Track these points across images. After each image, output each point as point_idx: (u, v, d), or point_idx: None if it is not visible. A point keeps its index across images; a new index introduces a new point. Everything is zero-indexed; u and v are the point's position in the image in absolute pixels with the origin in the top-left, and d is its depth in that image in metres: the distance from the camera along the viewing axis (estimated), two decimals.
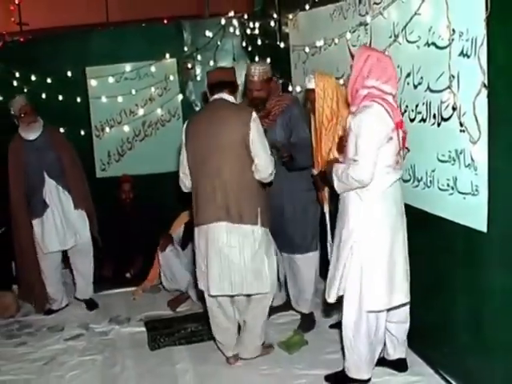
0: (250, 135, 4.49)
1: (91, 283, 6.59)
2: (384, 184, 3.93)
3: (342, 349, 4.43)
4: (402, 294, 4.05)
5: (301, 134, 5.06)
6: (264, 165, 4.55)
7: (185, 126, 4.82)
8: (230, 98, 4.73)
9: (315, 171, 4.91)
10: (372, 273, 3.95)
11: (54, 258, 6.33)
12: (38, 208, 6.16)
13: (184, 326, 5.58)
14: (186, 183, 4.82)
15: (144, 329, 5.72)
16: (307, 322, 5.43)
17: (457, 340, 4.10)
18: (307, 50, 5.96)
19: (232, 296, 4.78)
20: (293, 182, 5.14)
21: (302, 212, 5.22)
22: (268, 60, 6.58)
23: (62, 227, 6.24)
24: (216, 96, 4.72)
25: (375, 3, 4.62)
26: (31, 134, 6.08)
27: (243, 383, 4.63)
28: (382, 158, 3.85)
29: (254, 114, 4.57)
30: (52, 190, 6.19)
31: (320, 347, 5.03)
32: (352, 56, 5.08)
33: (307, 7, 5.95)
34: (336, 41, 5.30)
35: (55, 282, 6.39)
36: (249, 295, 4.79)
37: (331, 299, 4.23)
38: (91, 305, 6.48)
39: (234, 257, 4.55)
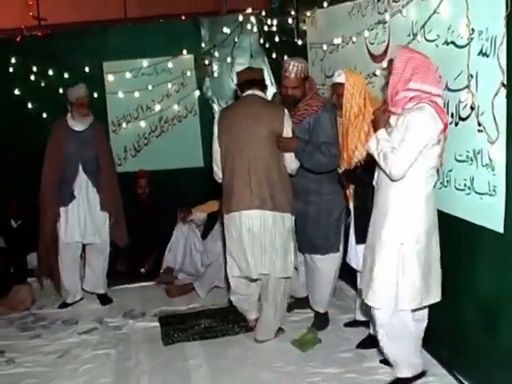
0: (284, 131, 4.81)
1: (102, 279, 6.57)
2: (429, 185, 3.86)
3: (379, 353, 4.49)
4: (436, 294, 4.01)
5: (320, 138, 4.91)
6: (289, 161, 4.89)
7: (217, 119, 5.05)
8: (262, 94, 4.98)
9: (340, 169, 4.86)
10: (412, 273, 3.88)
11: (74, 249, 6.32)
12: (65, 197, 6.15)
13: (198, 321, 5.60)
14: (219, 175, 5.07)
15: (158, 324, 5.73)
16: (321, 321, 5.40)
17: (472, 341, 4.07)
18: (325, 47, 5.93)
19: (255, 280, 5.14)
20: (320, 183, 5.06)
21: (327, 214, 5.12)
22: (285, 57, 6.56)
23: (85, 221, 6.24)
24: (249, 92, 4.93)
25: (394, 1, 4.60)
26: (80, 125, 6.11)
27: (256, 380, 4.61)
28: (429, 160, 3.77)
29: (286, 111, 4.86)
30: (82, 184, 6.19)
31: (334, 345, 5.01)
32: (370, 54, 5.09)
33: (325, 4, 5.94)
34: (354, 39, 5.28)
35: (71, 275, 6.38)
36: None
37: (371, 301, 4.09)
38: (105, 300, 6.48)
39: (266, 241, 4.86)
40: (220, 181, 5.08)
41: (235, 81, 5.34)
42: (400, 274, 3.89)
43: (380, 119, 3.93)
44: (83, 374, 4.89)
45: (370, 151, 3.93)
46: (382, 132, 3.87)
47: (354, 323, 5.26)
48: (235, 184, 4.86)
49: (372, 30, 4.97)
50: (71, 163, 6.12)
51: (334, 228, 5.15)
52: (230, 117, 4.96)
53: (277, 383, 4.54)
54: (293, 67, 4.87)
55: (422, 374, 4.27)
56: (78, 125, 6.10)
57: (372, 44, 5.07)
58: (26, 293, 6.44)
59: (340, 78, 4.69)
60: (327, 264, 5.21)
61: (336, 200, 5.09)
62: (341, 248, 5.21)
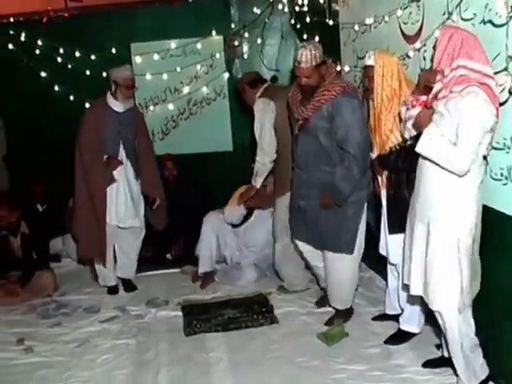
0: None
1: (135, 264, 6.46)
2: (480, 175, 3.59)
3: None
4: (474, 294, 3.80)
5: (339, 131, 4.61)
6: None
7: (272, 103, 5.44)
8: None
9: (373, 154, 4.63)
10: (466, 269, 3.65)
11: (114, 233, 6.18)
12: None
13: (222, 312, 5.45)
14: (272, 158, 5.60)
15: (181, 313, 5.60)
16: (341, 316, 5.19)
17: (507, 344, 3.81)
18: (356, 28, 5.70)
19: None
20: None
21: (339, 211, 4.77)
22: (316, 38, 6.36)
23: (126, 204, 6.09)
24: None
25: None
26: (123, 106, 5.96)
27: (278, 374, 4.44)
28: (482, 149, 3.50)
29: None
30: (122, 167, 6.04)
31: (361, 340, 4.81)
32: (403, 35, 4.85)
33: None
34: (386, 18, 5.04)
35: (112, 259, 6.27)
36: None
37: (416, 292, 3.86)
38: (129, 286, 6.35)
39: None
40: (270, 165, 5.61)
41: None
42: (459, 271, 3.61)
43: (424, 116, 3.66)
44: (101, 364, 4.78)
45: (424, 154, 3.58)
46: (432, 129, 3.53)
47: (383, 317, 5.06)
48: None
49: (405, 8, 4.72)
50: (111, 143, 5.96)
51: (348, 226, 4.83)
52: (284, 100, 5.18)
53: (299, 379, 4.35)
54: (301, 56, 4.55)
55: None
56: (120, 106, 5.93)
57: (405, 24, 4.82)
58: (48, 279, 6.35)
59: (370, 60, 4.46)
60: (339, 264, 4.94)
61: (355, 197, 4.77)
62: (357, 251, 4.93)
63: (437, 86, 3.58)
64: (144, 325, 5.48)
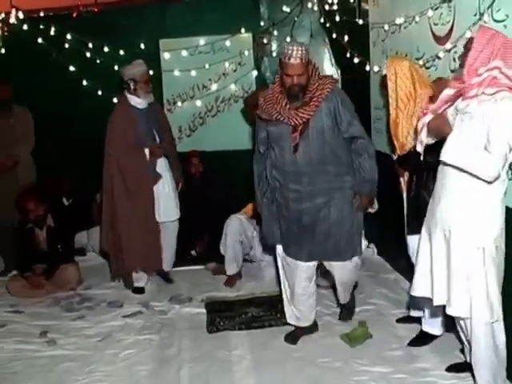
0: None
1: (174, 256, 6.50)
2: (506, 180, 3.52)
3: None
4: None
5: (345, 117, 4.43)
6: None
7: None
8: None
9: (394, 156, 4.65)
10: (492, 279, 3.55)
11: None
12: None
13: (245, 310, 5.45)
14: None
15: (204, 310, 5.59)
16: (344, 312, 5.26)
17: None
18: (386, 27, 5.65)
19: None
20: (343, 178, 4.54)
21: (350, 212, 4.55)
22: (346, 37, 6.34)
23: (170, 198, 6.13)
24: None
25: None
26: (144, 102, 5.95)
27: (300, 375, 4.41)
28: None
29: None
30: (161, 161, 6.08)
31: (384, 342, 4.77)
32: (434, 36, 4.81)
33: None
34: (417, 19, 4.99)
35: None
36: None
37: (440, 302, 3.74)
38: (169, 278, 6.42)
39: None
40: None
41: None
42: (485, 281, 3.52)
43: (441, 122, 3.58)
44: (123, 359, 4.79)
45: (451, 162, 3.48)
46: (455, 136, 3.46)
47: (407, 319, 5.01)
48: None
49: (436, 9, 4.67)
50: (147, 139, 5.95)
51: (358, 227, 4.64)
52: None
53: (322, 380, 4.32)
54: (297, 52, 4.16)
55: None
56: (142, 102, 5.93)
57: (436, 24, 4.77)
58: (72, 272, 6.39)
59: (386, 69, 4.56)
60: (350, 264, 4.73)
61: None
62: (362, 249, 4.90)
63: (455, 87, 3.55)
64: (167, 321, 5.48)
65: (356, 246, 4.65)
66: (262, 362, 4.61)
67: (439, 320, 4.52)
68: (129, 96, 5.92)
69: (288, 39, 7.48)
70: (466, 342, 3.92)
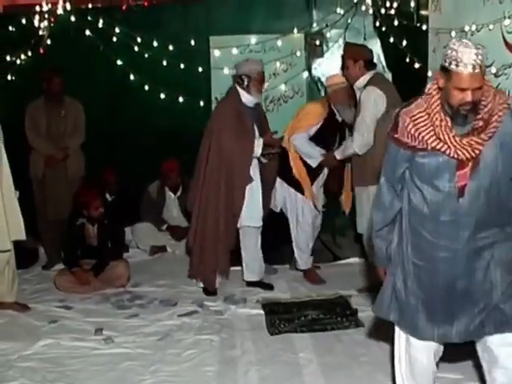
0: None
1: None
2: None
3: None
4: None
5: None
6: None
7: (385, 98, 5.36)
8: None
9: None
10: None
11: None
12: None
13: (304, 312, 5.31)
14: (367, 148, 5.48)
15: (261, 311, 5.49)
16: None
17: None
18: (453, 34, 5.51)
19: None
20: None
21: None
22: (404, 42, 6.23)
23: (260, 203, 5.97)
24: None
25: None
26: (254, 100, 5.89)
27: (372, 381, 4.29)
28: None
29: None
30: (256, 164, 5.94)
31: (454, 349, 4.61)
32: (506, 44, 4.68)
33: None
34: (491, 26, 4.84)
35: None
36: None
37: None
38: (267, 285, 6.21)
39: None
40: None
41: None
42: None
43: None
44: (186, 359, 4.67)
45: None
46: None
47: None
48: None
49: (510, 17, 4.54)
50: (253, 138, 5.83)
51: None
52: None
53: None
54: (476, 57, 2.84)
55: None
56: (252, 100, 5.87)
57: (509, 33, 4.64)
58: (123, 269, 6.31)
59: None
60: None
61: None
62: None
63: None
64: (225, 321, 5.37)
65: None
66: (330, 366, 4.50)
67: None
68: (241, 91, 5.84)
69: (340, 41, 7.37)
70: None
